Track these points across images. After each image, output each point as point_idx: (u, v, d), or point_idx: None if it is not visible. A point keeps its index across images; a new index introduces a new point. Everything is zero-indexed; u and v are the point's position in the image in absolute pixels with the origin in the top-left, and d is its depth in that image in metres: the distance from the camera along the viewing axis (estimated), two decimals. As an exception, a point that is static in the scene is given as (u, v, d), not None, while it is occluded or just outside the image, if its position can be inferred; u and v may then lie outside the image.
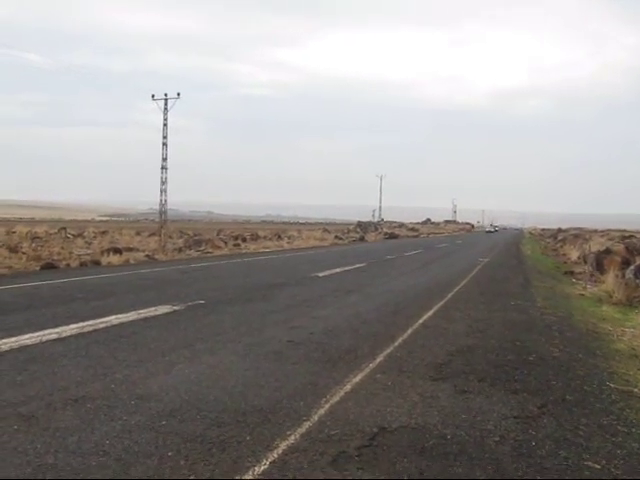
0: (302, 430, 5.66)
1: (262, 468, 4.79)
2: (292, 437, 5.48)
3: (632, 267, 21.12)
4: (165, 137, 40.63)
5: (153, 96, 40.69)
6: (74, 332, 9.68)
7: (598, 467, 5.22)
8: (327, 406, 6.42)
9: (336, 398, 6.71)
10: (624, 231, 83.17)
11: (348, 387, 7.15)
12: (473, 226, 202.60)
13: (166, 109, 40.41)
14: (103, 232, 55.51)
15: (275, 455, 5.06)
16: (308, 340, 9.78)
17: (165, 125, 40.63)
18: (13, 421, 5.59)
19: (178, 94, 40.46)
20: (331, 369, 7.96)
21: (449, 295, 16.63)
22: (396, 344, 9.75)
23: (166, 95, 40.60)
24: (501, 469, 5.03)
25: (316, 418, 6.02)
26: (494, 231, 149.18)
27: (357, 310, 13.28)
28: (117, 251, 29.35)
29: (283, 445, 5.29)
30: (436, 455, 5.25)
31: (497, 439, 5.71)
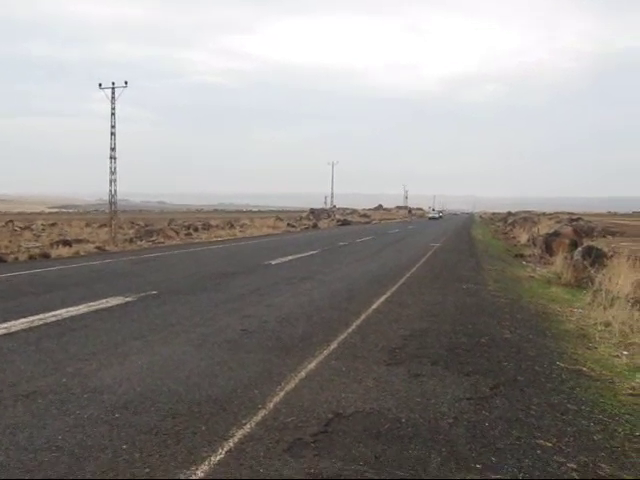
0: (257, 418, 5.66)
1: (218, 458, 4.78)
2: (248, 426, 5.47)
3: (580, 249, 21.48)
4: (113, 126, 39.97)
5: (100, 85, 39.98)
6: (24, 326, 9.51)
7: (549, 445, 5.32)
8: (282, 394, 6.42)
9: (291, 385, 6.72)
10: (572, 214, 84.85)
11: (303, 374, 7.16)
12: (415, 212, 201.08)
13: (114, 98, 39.75)
14: (52, 224, 54.67)
15: (231, 444, 5.05)
16: (262, 328, 9.76)
17: (113, 114, 39.98)
18: (-39, 419, 5.49)
19: (125, 82, 39.84)
20: (285, 357, 7.96)
21: (402, 280, 16.74)
22: (350, 330, 9.79)
23: (113, 84, 39.95)
24: (455, 451, 5.10)
25: (271, 406, 6.01)
26: (438, 217, 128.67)
27: (311, 297, 13.29)
28: (67, 243, 28.90)
29: (239, 434, 5.28)
30: (391, 439, 5.30)
31: (451, 421, 5.78)
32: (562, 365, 8.10)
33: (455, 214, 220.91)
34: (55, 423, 5.44)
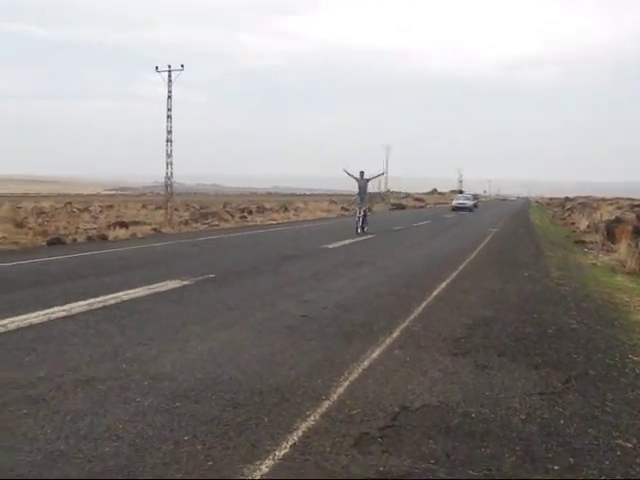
0: (322, 410, 5.46)
1: (283, 452, 4.59)
2: (312, 418, 5.27)
3: (645, 236, 20.83)
4: (169, 109, 40.22)
5: (157, 68, 40.22)
6: (83, 309, 9.48)
7: (630, 446, 5.03)
8: (346, 384, 6.21)
9: (354, 375, 6.51)
10: (633, 200, 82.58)
11: (366, 364, 6.94)
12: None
13: (170, 81, 39.97)
14: (109, 206, 55.33)
15: (295, 437, 4.86)
16: (322, 314, 9.57)
17: (169, 97, 40.21)
18: (22, 405, 5.39)
19: (182, 66, 40.03)
20: (347, 345, 7.75)
21: (461, 266, 16.40)
22: (412, 317, 9.54)
23: (170, 67, 40.16)
24: (530, 450, 4.83)
25: (335, 397, 5.81)
26: (468, 207, 70.72)
27: (369, 282, 13.07)
28: (123, 225, 29.11)
29: (303, 427, 5.08)
30: (462, 435, 5.05)
31: (523, 417, 5.51)
32: (636, 359, 7.73)
33: (504, 199, 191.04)
34: (115, 411, 5.32)
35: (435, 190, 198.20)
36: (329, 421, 5.22)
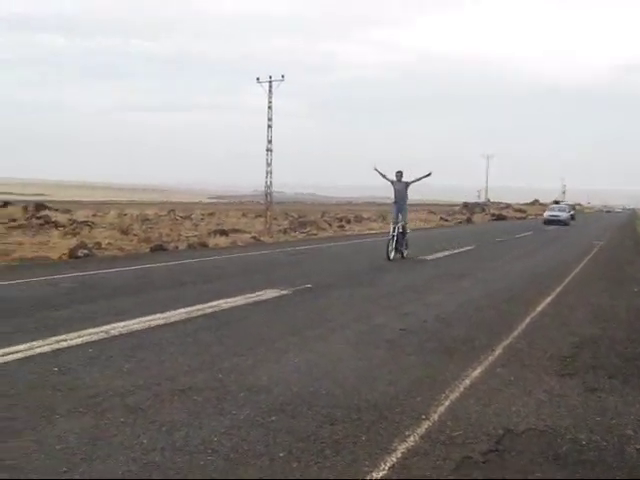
0: (421, 430, 5.24)
1: (381, 474, 4.40)
2: (411, 438, 5.06)
3: None
4: (270, 119, 40.64)
5: (258, 79, 40.74)
6: (182, 317, 9.55)
7: None
8: (446, 403, 5.97)
9: (455, 394, 6.25)
10: None
11: (467, 382, 6.67)
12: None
13: (270, 92, 40.40)
14: (210, 214, 56.35)
15: (394, 459, 4.65)
16: (421, 328, 9.32)
17: (269, 108, 40.64)
18: (120, 413, 5.40)
19: (282, 76, 40.39)
20: (448, 361, 7.49)
21: (566, 280, 15.78)
22: (515, 334, 9.17)
23: (270, 77, 40.58)
24: (648, 483, 4.48)
25: (436, 417, 5.57)
26: (563, 219, 58.29)
27: (470, 296, 12.71)
28: (223, 233, 29.55)
29: (402, 447, 4.88)
30: (572, 464, 4.73)
31: (639, 447, 5.14)
32: None
33: (609, 211, 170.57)
34: (211, 423, 5.25)
35: (537, 201, 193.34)
36: (429, 442, 5.00)
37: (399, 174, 20.05)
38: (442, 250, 23.54)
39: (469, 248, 25.47)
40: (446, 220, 62.81)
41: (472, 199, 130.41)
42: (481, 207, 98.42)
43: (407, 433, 5.17)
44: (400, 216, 19.71)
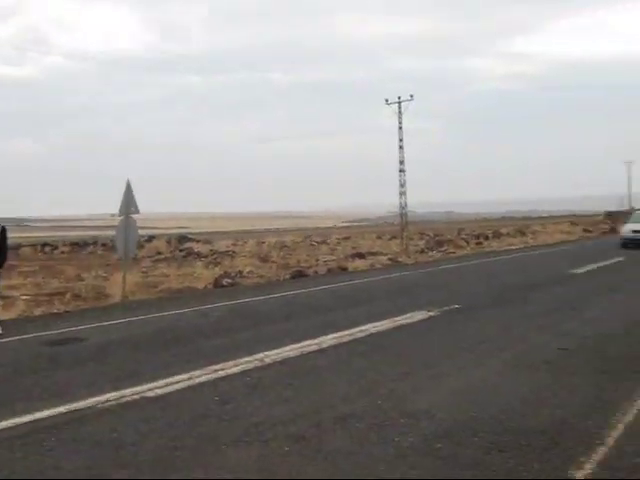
0: (598, 457, 4.95)
1: (562, 505, 4.18)
2: (587, 466, 4.78)
3: None
4: (401, 140, 40.50)
5: (387, 100, 40.78)
6: (333, 342, 9.55)
7: None
8: (621, 426, 5.63)
9: (629, 417, 5.89)
10: None
11: (640, 403, 6.29)
12: None
13: (400, 112, 40.31)
14: (345, 238, 56.73)
15: (573, 489, 4.42)
16: (582, 347, 8.91)
17: (400, 128, 40.54)
18: (283, 442, 5.40)
19: (411, 96, 40.19)
20: (615, 381, 7.10)
21: None
22: (685, 350, 8.61)
23: (399, 98, 40.50)
24: None
25: (611, 442, 5.26)
26: None
27: (628, 310, 12.08)
28: (361, 256, 29.59)
29: (579, 475, 4.62)
30: None
31: None
32: None
33: None
34: (375, 451, 5.16)
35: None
36: (608, 470, 4.71)
37: None
38: (591, 263, 22.45)
39: (619, 259, 24.28)
40: (589, 231, 60.35)
41: (616, 208, 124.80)
42: (625, 216, 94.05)
43: (582, 460, 4.90)
44: None
